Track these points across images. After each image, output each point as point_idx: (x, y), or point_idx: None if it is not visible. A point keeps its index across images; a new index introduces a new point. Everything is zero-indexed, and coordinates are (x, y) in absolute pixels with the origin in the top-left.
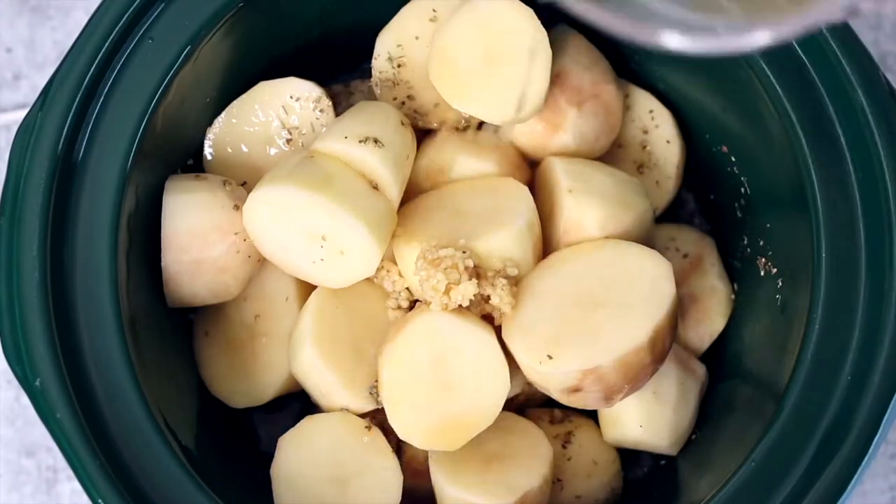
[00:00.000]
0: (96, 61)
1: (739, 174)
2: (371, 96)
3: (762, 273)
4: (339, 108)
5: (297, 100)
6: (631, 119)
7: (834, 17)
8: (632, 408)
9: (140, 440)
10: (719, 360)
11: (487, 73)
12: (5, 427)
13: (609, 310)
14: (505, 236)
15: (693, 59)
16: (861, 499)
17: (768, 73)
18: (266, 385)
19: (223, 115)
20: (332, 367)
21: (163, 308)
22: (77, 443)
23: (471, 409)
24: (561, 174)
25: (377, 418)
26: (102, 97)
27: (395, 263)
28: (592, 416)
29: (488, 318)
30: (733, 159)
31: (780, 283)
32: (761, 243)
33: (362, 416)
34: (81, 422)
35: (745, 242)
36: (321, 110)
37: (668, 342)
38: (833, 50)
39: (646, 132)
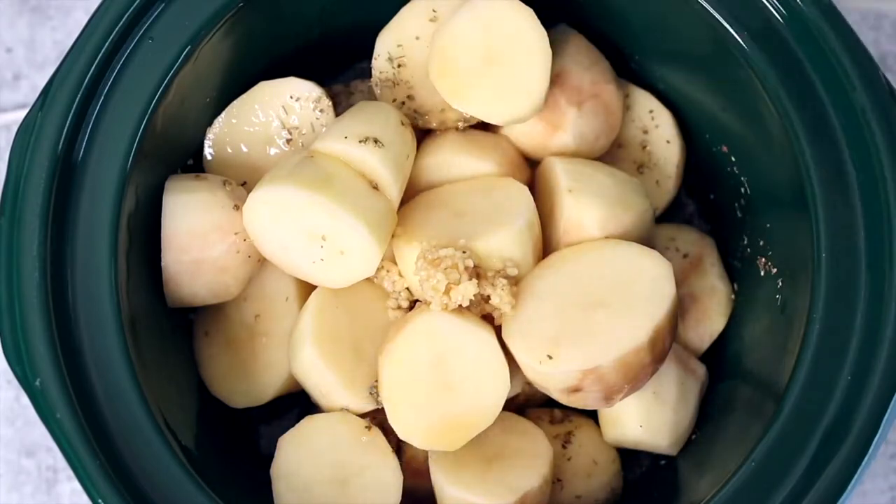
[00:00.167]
0: (96, 61)
1: (739, 174)
2: (371, 96)
3: (762, 273)
4: (339, 108)
5: (297, 100)
6: (631, 119)
7: None
8: (632, 408)
9: (140, 440)
10: (719, 360)
11: (487, 73)
12: (5, 427)
13: (609, 310)
14: (505, 236)
15: (693, 59)
16: (861, 499)
17: (768, 73)
18: (266, 385)
19: (223, 115)
20: (332, 367)
21: (163, 308)
22: (77, 443)
23: (471, 409)
24: (561, 174)
25: (377, 418)
26: (102, 97)
27: (395, 263)
28: (592, 416)
29: (488, 318)
30: (733, 159)
31: (780, 283)
32: (761, 243)
33: (362, 416)
34: (81, 422)
35: (745, 242)
36: (321, 110)
37: (668, 342)
38: (833, 50)
39: (646, 132)
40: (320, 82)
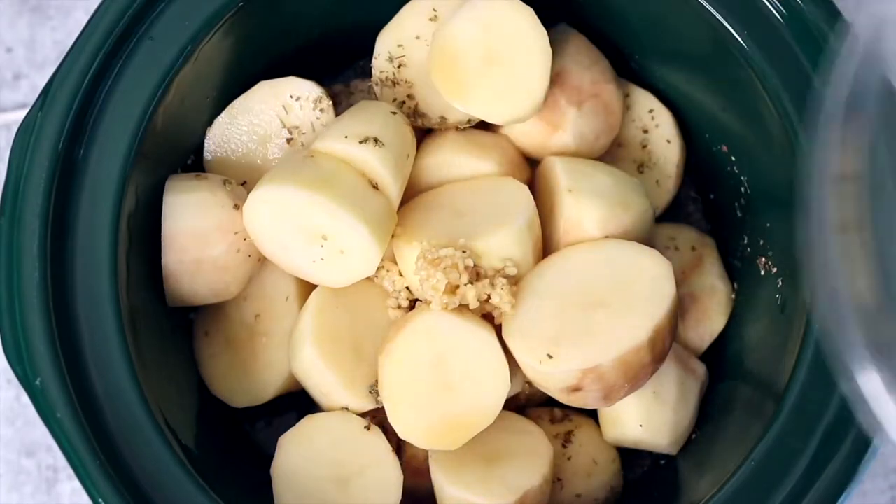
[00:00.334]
0: (96, 61)
1: (739, 174)
2: (371, 96)
3: (762, 273)
4: (339, 107)
5: (298, 99)
6: (631, 119)
7: None
8: (632, 407)
9: (140, 440)
10: (719, 360)
11: (487, 73)
12: (5, 427)
13: (609, 309)
14: (505, 236)
15: (693, 59)
16: (861, 499)
17: (768, 73)
18: (266, 384)
19: (223, 114)
20: (332, 366)
21: (163, 308)
22: (77, 442)
23: (471, 409)
24: (561, 174)
25: (377, 418)
26: (102, 97)
27: (395, 263)
28: (592, 415)
29: (488, 318)
30: (733, 159)
31: (780, 283)
32: (761, 243)
33: (362, 415)
34: (81, 421)
35: (745, 242)
36: (321, 110)
37: (668, 342)
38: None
39: (646, 132)
40: (320, 82)
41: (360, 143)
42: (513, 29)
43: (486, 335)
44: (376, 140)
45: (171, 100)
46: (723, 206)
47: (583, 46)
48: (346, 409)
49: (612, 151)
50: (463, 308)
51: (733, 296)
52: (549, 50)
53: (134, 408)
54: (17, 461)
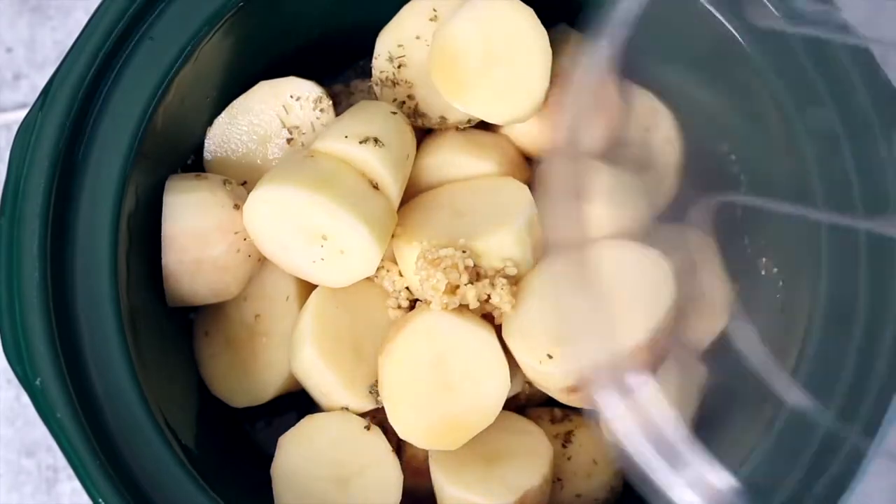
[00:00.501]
0: (96, 61)
1: (739, 174)
2: (371, 96)
3: (762, 273)
4: (339, 107)
5: (298, 99)
6: (631, 119)
7: None
8: None
9: (140, 440)
10: (719, 360)
11: (487, 73)
12: (5, 427)
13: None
14: (505, 236)
15: (694, 59)
16: (861, 499)
17: (769, 72)
18: (266, 384)
19: (223, 114)
20: (332, 367)
21: (163, 308)
22: (77, 442)
23: (471, 409)
24: None
25: (377, 418)
26: (102, 97)
27: (395, 263)
28: (593, 415)
29: (488, 318)
30: (733, 159)
31: (780, 283)
32: (762, 243)
33: (362, 415)
34: (81, 421)
35: (746, 242)
36: (321, 110)
37: (668, 342)
38: (834, 49)
39: (646, 132)
40: (320, 82)
41: (360, 143)
42: (513, 29)
43: (486, 335)
44: (376, 140)
45: (171, 100)
46: (723, 206)
47: (583, 46)
48: (346, 409)
49: (613, 151)
50: (463, 308)
51: (733, 296)
52: (549, 50)
53: (134, 408)
54: (17, 461)
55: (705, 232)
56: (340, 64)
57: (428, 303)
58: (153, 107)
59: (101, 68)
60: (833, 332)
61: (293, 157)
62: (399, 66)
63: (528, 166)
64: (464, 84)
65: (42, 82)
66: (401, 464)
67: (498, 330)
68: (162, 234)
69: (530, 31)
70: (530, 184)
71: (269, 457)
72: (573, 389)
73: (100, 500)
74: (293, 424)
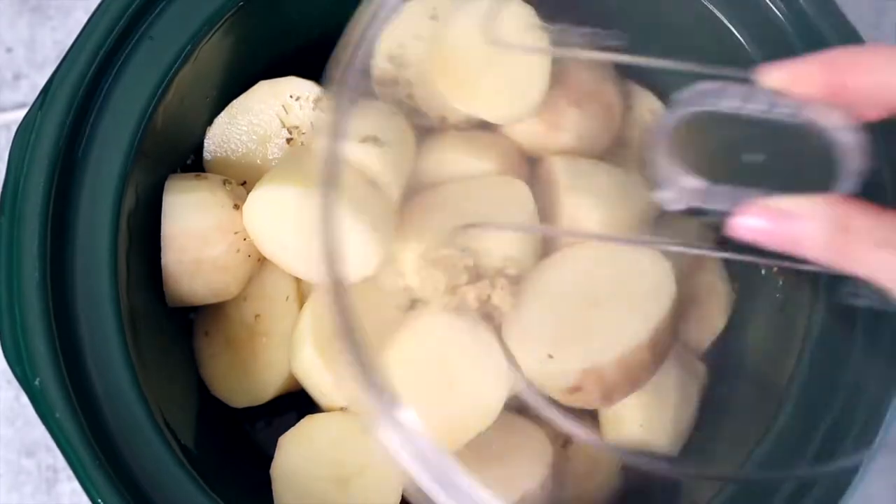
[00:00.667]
0: (96, 61)
1: None
2: (371, 96)
3: (762, 273)
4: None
5: (297, 99)
6: (631, 119)
7: None
8: (632, 407)
9: (140, 440)
10: (719, 360)
11: (487, 73)
12: (5, 427)
13: (609, 310)
14: (505, 236)
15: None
16: (861, 499)
17: None
18: (266, 384)
19: (223, 114)
20: (332, 367)
21: (163, 308)
22: (77, 442)
23: (471, 409)
24: (561, 173)
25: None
26: (102, 96)
27: (395, 263)
28: (593, 415)
29: (488, 318)
30: None
31: (780, 283)
32: None
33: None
34: (81, 421)
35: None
36: (321, 110)
37: (668, 342)
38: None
39: (646, 132)
40: (320, 82)
41: (360, 142)
42: (513, 28)
43: (486, 335)
44: (376, 140)
45: (170, 99)
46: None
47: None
48: (346, 409)
49: (613, 151)
50: (463, 308)
51: (733, 296)
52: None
53: (134, 408)
54: (17, 461)
55: (705, 231)
56: None
57: (428, 303)
58: (153, 106)
59: (101, 68)
60: (833, 332)
61: (293, 157)
62: (399, 66)
63: (528, 166)
64: (464, 84)
65: (42, 82)
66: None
67: (498, 330)
68: (162, 234)
69: (530, 30)
70: (530, 184)
71: (269, 457)
72: (573, 389)
73: (99, 500)
74: (293, 424)
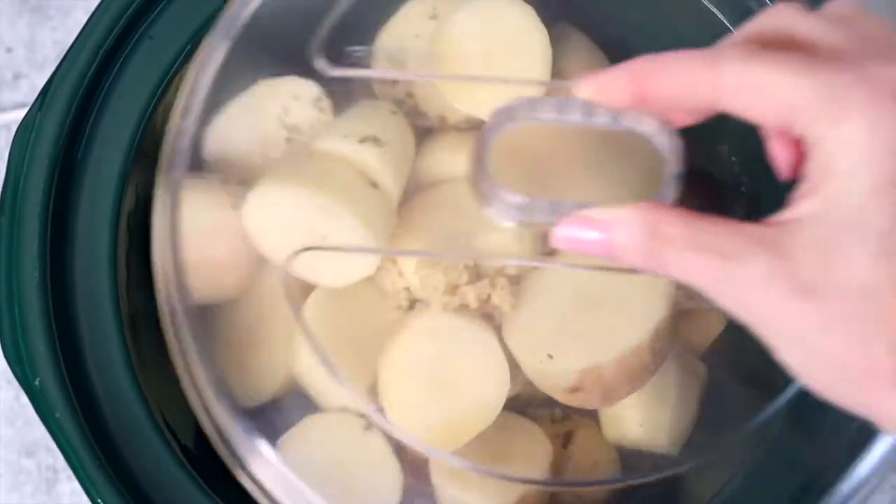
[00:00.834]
0: (96, 61)
1: (739, 174)
2: (371, 96)
3: None
4: (339, 108)
5: (297, 99)
6: None
7: None
8: (632, 407)
9: (140, 440)
10: (719, 360)
11: (488, 73)
12: (5, 427)
13: (609, 309)
14: (505, 235)
15: None
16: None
17: None
18: (266, 384)
19: (222, 114)
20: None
21: None
22: (76, 442)
23: (471, 409)
24: None
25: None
26: (102, 96)
27: (395, 263)
28: (592, 415)
29: (488, 318)
30: (733, 159)
31: None
32: None
33: (362, 415)
34: (81, 421)
35: None
36: (321, 110)
37: (668, 342)
38: None
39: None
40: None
41: (360, 142)
42: (513, 27)
43: (486, 335)
44: (376, 140)
45: (170, 99)
46: (723, 206)
47: (583, 46)
48: (346, 409)
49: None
50: (463, 308)
51: None
52: (550, 49)
53: (134, 408)
54: (17, 461)
55: None
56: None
57: (428, 303)
58: (153, 106)
59: (101, 67)
60: None
61: (292, 157)
62: (399, 66)
63: None
64: (464, 84)
65: (42, 82)
66: (401, 464)
67: (498, 330)
68: None
69: (530, 29)
70: None
71: None
72: (573, 389)
73: (99, 500)
74: (293, 424)
